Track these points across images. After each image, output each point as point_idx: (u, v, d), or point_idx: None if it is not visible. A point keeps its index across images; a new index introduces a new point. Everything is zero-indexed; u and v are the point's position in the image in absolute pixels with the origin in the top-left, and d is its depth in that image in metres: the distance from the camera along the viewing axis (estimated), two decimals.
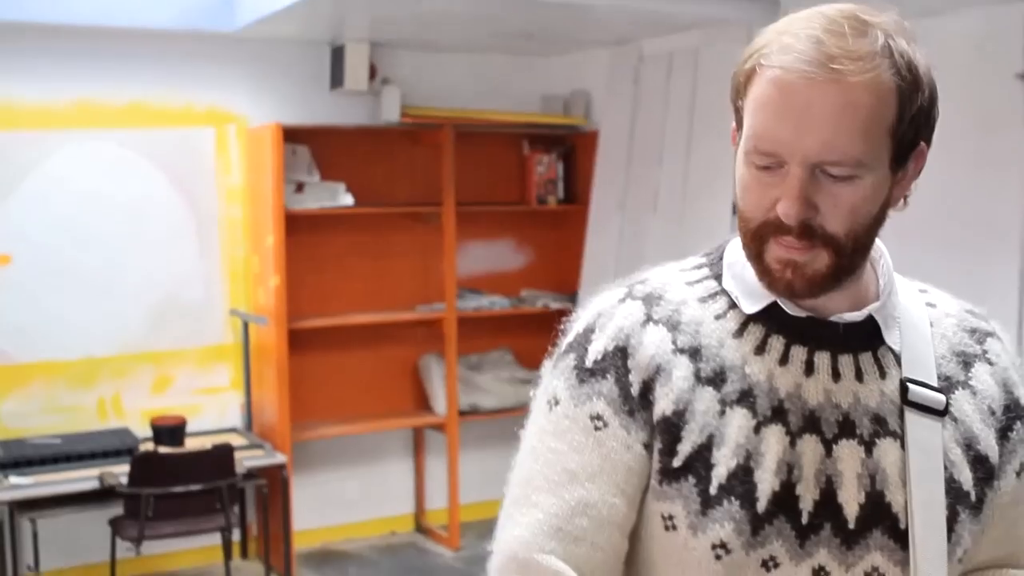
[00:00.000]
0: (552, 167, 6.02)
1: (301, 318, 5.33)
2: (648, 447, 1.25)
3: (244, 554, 5.52)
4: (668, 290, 1.32)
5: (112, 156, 5.15)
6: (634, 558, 1.31)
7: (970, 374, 1.33)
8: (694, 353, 1.26)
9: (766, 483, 1.21)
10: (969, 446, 1.28)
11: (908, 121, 1.19)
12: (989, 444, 1.29)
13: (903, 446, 1.25)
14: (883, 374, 1.28)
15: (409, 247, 5.78)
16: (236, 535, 5.32)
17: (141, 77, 5.18)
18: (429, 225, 5.69)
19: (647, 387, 1.25)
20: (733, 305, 1.29)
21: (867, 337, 1.28)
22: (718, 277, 1.33)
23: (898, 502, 1.24)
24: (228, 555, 5.01)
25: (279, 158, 5.06)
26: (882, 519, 1.23)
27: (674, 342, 1.27)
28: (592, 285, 5.78)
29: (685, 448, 1.23)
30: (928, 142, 1.24)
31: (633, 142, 5.60)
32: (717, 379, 1.25)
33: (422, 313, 5.70)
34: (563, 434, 1.26)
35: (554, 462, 1.25)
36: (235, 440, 5.02)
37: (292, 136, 5.23)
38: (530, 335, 6.15)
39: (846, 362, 1.27)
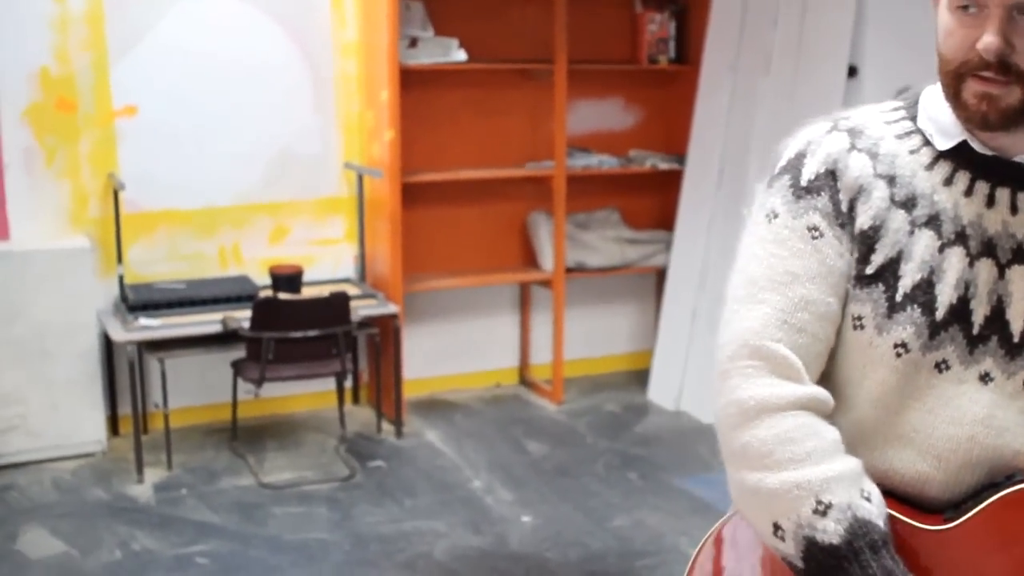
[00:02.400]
0: (664, 26, 5.96)
1: (414, 172, 5.43)
2: (852, 256, 1.45)
3: (356, 400, 5.75)
4: (869, 126, 1.50)
5: (231, 10, 5.23)
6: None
7: None
8: (890, 180, 1.45)
9: (945, 295, 1.41)
10: None
11: None
12: None
13: None
14: None
15: (520, 104, 5.81)
16: (348, 381, 5.54)
17: None
18: (540, 82, 5.71)
19: (852, 205, 1.45)
20: (926, 143, 1.47)
21: None
22: (913, 118, 1.50)
23: None
24: (342, 400, 5.24)
25: (394, 12, 5.10)
26: None
27: (874, 168, 1.46)
28: (702, 146, 5.78)
29: (878, 259, 1.43)
30: None
31: (747, 1, 5.51)
32: (909, 203, 1.44)
33: (532, 170, 5.76)
34: (783, 242, 1.46)
35: (776, 265, 1.45)
36: (349, 290, 5.18)
37: None
38: (637, 195, 6.20)
39: None
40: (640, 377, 6.11)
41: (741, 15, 5.53)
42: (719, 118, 5.63)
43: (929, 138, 1.47)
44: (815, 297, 1.42)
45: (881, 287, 1.42)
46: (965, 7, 1.35)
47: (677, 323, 5.79)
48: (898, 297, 1.42)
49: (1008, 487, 1.39)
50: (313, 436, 5.36)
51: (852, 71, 5.00)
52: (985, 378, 1.42)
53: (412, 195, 5.47)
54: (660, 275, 6.13)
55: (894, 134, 1.49)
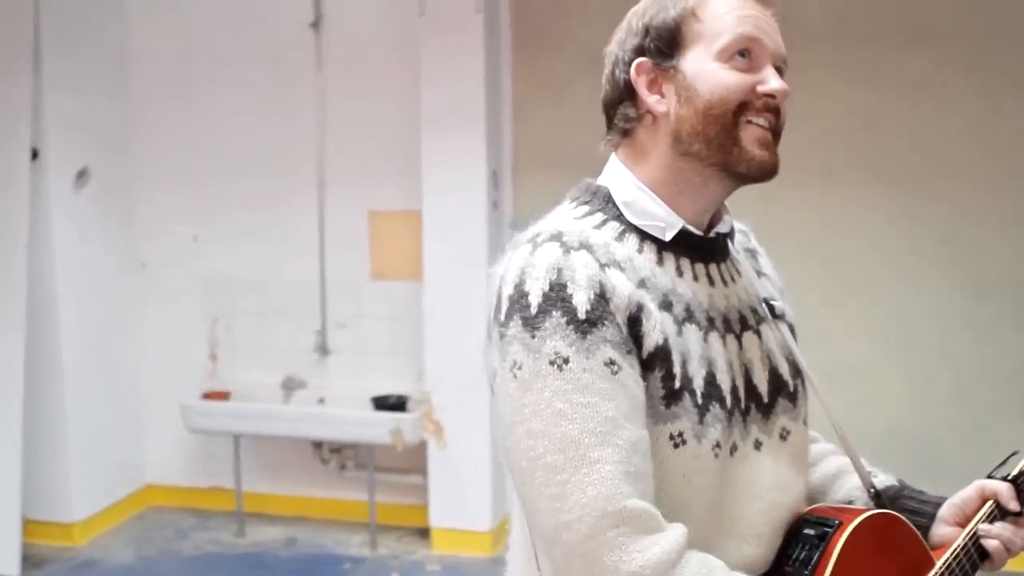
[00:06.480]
0: None
1: None
2: (644, 378, 1.34)
3: None
4: (587, 236, 1.37)
5: None
6: None
7: (759, 264, 1.62)
8: (644, 285, 1.37)
9: (725, 384, 1.40)
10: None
11: None
12: (791, 315, 1.60)
13: (769, 328, 1.52)
14: (740, 273, 1.53)
15: None
16: None
17: None
18: None
19: (632, 325, 1.32)
20: (642, 238, 1.42)
21: (724, 246, 1.51)
22: (618, 218, 1.43)
23: (784, 371, 1.51)
24: None
25: None
26: (782, 388, 1.50)
27: (630, 279, 1.35)
28: None
29: (678, 370, 1.35)
30: None
31: None
32: (667, 304, 1.38)
33: None
34: (588, 388, 1.29)
35: (592, 416, 1.29)
36: None
37: None
38: None
39: (725, 269, 1.50)
40: None
41: None
42: None
43: (652, 232, 1.42)
44: (637, 437, 1.30)
45: (687, 396, 1.35)
46: (742, 52, 1.38)
47: None
48: (700, 400, 1.36)
49: (833, 536, 1.44)
50: None
51: (35, 154, 4.98)
52: (758, 446, 1.44)
53: None
54: None
55: (612, 238, 1.40)
